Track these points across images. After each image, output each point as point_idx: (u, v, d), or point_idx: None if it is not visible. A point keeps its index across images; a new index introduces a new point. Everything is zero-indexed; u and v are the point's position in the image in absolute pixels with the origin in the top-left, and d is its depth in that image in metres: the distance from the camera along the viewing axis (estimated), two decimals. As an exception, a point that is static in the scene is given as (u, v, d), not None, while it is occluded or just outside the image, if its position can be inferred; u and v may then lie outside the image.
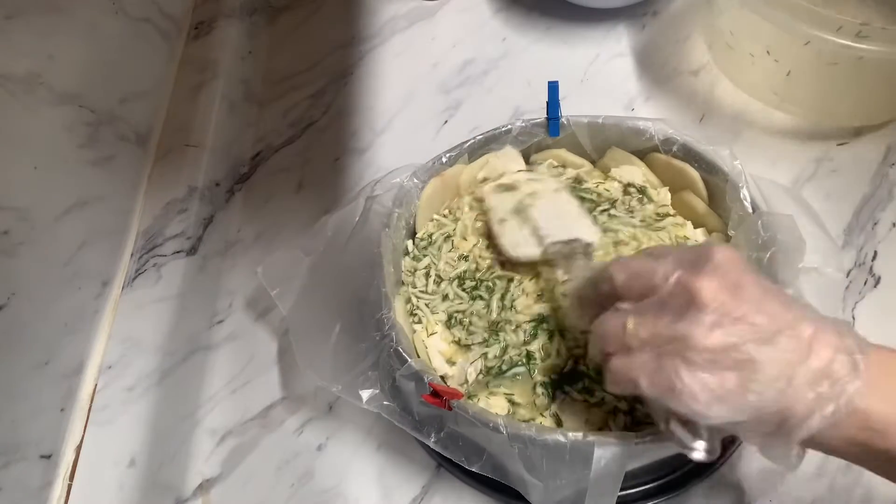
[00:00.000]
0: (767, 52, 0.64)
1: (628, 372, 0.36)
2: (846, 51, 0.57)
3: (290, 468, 0.54)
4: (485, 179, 0.58)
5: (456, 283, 0.53)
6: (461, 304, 0.52)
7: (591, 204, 0.56)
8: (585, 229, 0.52)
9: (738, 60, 0.68)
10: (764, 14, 0.60)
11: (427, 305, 0.53)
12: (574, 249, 0.51)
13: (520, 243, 0.52)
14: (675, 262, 0.37)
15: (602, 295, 0.40)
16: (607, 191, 0.57)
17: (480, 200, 0.57)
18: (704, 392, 0.34)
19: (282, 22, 0.86)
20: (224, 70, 0.72)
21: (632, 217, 0.55)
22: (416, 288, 0.54)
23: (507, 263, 0.53)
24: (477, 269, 0.54)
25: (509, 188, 0.56)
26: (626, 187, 0.57)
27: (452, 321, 0.52)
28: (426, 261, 0.55)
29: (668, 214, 0.56)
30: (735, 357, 0.33)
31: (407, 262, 0.55)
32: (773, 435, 0.35)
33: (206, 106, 0.69)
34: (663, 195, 0.57)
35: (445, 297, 0.53)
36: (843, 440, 0.34)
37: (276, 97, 0.78)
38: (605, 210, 0.56)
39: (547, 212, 0.54)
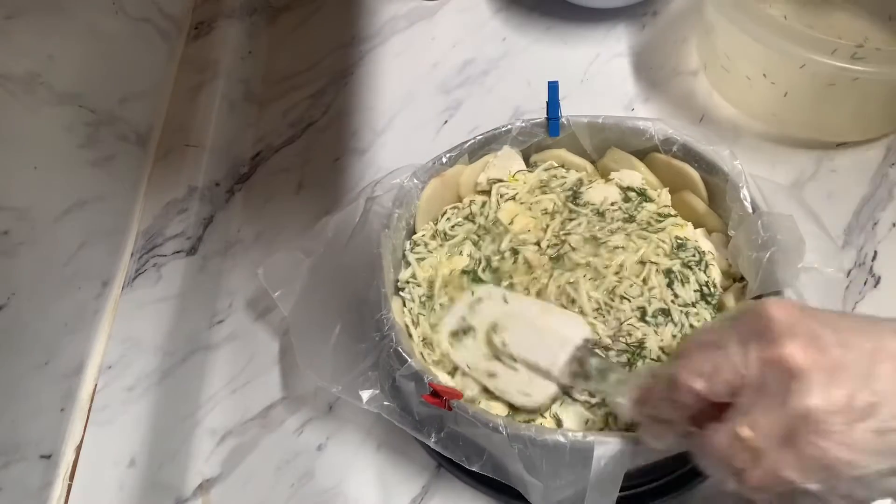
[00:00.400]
0: (764, 74, 0.64)
1: (777, 478, 0.33)
2: (842, 72, 0.58)
3: (290, 468, 0.54)
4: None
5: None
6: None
7: (592, 215, 0.56)
8: (573, 328, 0.47)
9: (735, 83, 0.69)
10: (759, 38, 0.60)
11: (420, 315, 0.53)
12: (582, 356, 0.45)
13: (530, 391, 0.46)
14: (739, 342, 0.34)
15: (683, 408, 0.37)
16: (600, 202, 0.57)
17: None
18: (857, 453, 0.32)
19: (282, 22, 0.86)
20: (224, 70, 0.72)
21: (629, 222, 0.55)
22: (410, 297, 0.54)
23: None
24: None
25: (465, 331, 0.49)
26: (626, 191, 0.57)
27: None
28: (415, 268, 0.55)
29: (668, 215, 0.56)
30: (858, 406, 0.32)
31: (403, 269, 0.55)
32: None
33: (206, 106, 0.69)
34: (664, 196, 0.57)
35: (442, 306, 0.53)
36: None
37: (276, 97, 0.78)
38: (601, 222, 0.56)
39: (524, 339, 0.47)
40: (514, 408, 0.47)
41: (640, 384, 0.40)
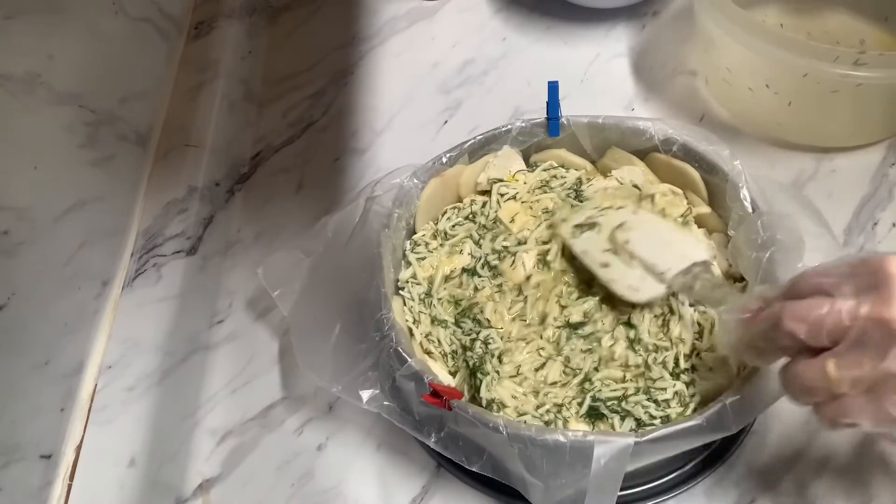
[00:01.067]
0: (767, 85, 0.64)
1: (845, 417, 0.35)
2: (845, 79, 0.58)
3: (290, 468, 0.54)
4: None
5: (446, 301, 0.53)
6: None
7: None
8: (696, 248, 0.50)
9: (737, 95, 0.69)
10: (759, 50, 0.60)
11: (421, 313, 0.53)
12: (695, 274, 0.48)
13: (639, 287, 0.48)
14: (853, 292, 0.35)
15: (782, 349, 0.38)
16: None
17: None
18: None
19: (282, 22, 0.86)
20: (224, 70, 0.72)
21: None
22: (410, 295, 0.54)
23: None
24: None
25: (590, 226, 0.52)
26: (626, 187, 0.58)
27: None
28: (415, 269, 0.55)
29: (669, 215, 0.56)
30: None
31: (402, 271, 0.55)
32: None
33: (206, 106, 0.69)
34: (663, 195, 0.57)
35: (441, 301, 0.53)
36: None
37: (276, 97, 0.78)
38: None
39: (648, 243, 0.50)
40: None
41: (748, 307, 0.41)
